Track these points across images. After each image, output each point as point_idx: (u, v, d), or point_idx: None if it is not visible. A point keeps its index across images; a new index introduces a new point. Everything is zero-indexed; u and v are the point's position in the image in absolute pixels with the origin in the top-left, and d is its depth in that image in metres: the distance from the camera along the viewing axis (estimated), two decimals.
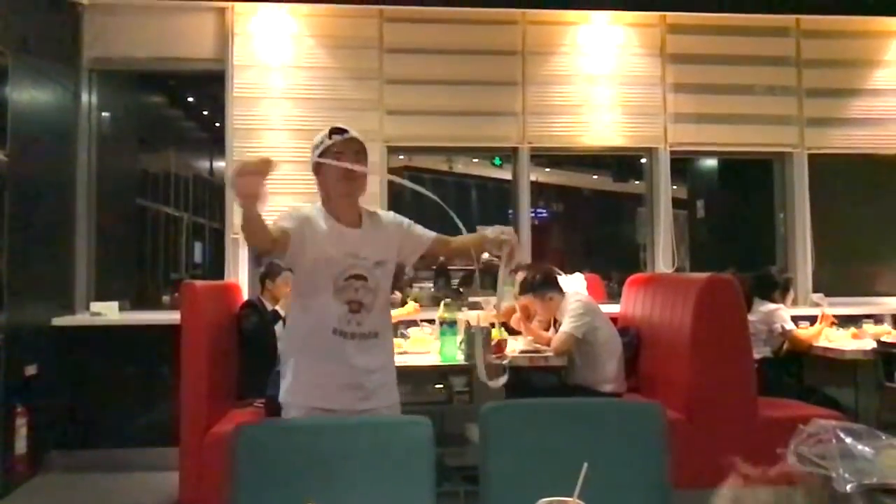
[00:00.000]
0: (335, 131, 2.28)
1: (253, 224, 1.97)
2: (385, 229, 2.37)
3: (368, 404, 2.26)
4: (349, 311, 2.24)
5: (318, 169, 2.31)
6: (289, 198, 3.98)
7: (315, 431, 1.65)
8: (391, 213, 2.47)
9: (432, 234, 2.45)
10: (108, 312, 4.68)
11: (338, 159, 2.22)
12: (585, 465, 1.22)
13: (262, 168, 1.86)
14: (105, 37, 4.90)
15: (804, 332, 4.48)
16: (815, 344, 4.39)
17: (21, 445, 4.06)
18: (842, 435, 1.28)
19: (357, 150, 2.29)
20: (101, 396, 4.63)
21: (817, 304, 4.96)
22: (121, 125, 5.76)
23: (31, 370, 4.23)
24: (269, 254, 2.23)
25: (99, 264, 4.98)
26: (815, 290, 5.19)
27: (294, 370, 2.30)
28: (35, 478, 4.27)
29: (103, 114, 5.16)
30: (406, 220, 2.44)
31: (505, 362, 3.63)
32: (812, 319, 4.66)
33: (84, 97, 4.95)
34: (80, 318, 4.69)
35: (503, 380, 2.26)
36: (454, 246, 2.45)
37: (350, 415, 2.19)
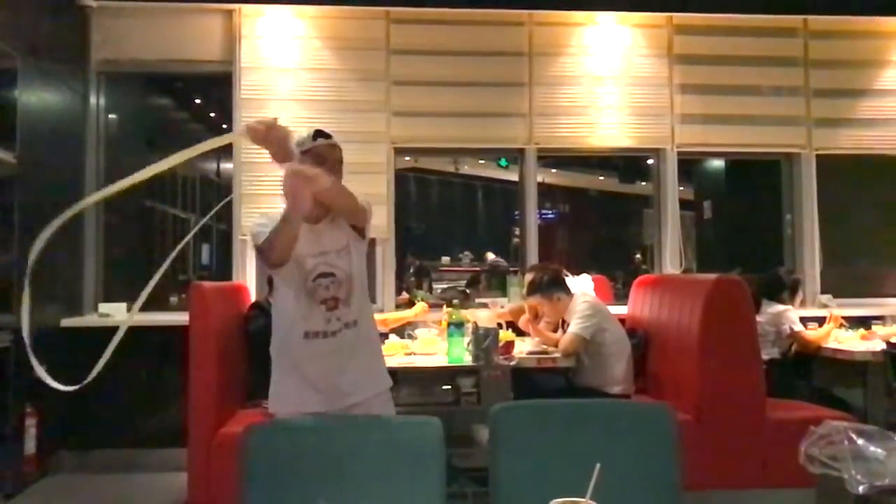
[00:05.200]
0: (320, 134, 2.29)
1: (292, 234, 2.07)
2: (337, 216, 2.32)
3: (355, 399, 2.28)
4: (327, 310, 2.25)
5: None
6: None
7: (325, 431, 1.65)
8: None
9: None
10: (117, 314, 4.69)
11: (320, 164, 2.19)
12: (598, 465, 1.22)
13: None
14: (113, 39, 4.92)
15: (813, 333, 4.46)
16: (824, 345, 4.37)
17: (30, 446, 4.08)
18: (854, 436, 1.28)
19: (338, 158, 2.31)
20: (110, 397, 4.63)
21: (825, 306, 4.95)
22: (128, 127, 5.77)
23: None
24: (279, 267, 2.21)
25: (107, 266, 5.00)
26: (823, 292, 5.17)
27: (277, 379, 2.33)
28: (44, 478, 4.29)
29: (111, 116, 5.18)
30: None
31: (513, 363, 3.64)
32: (820, 321, 4.64)
33: (92, 99, 4.97)
34: (88, 320, 4.70)
35: None
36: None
37: (339, 412, 2.22)
